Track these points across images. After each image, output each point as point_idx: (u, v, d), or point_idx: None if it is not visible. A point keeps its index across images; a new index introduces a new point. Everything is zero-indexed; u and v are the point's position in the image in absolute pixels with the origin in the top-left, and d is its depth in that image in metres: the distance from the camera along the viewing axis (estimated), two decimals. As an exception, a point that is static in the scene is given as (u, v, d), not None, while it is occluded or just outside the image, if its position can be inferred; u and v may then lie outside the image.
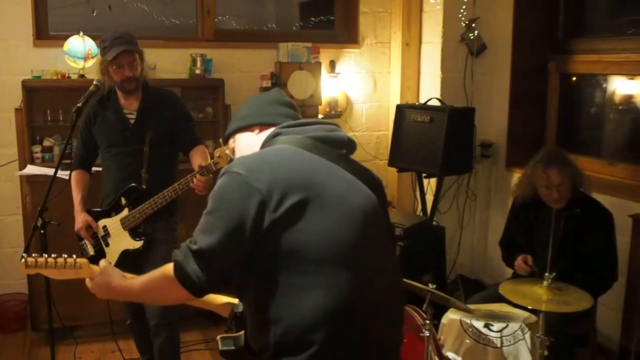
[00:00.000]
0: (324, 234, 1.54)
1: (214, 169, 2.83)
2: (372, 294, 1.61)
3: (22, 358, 3.75)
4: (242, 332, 1.78)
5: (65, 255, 1.83)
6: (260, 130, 1.77)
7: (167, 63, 4.20)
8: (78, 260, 1.83)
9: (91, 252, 3.12)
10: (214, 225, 1.54)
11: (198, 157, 3.07)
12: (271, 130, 1.73)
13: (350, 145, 1.75)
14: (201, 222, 1.58)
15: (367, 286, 1.59)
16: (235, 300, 1.87)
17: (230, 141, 1.85)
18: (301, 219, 1.53)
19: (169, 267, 1.60)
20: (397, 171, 4.47)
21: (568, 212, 3.10)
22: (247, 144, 1.78)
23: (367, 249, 1.61)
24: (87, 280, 1.82)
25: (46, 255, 1.83)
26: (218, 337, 1.83)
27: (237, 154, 1.81)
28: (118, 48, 2.91)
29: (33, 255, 1.84)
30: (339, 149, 1.72)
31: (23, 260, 1.84)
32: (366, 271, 1.60)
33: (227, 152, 1.89)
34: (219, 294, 1.92)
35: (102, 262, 1.83)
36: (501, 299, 2.78)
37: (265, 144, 1.71)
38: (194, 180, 2.88)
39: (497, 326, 2.75)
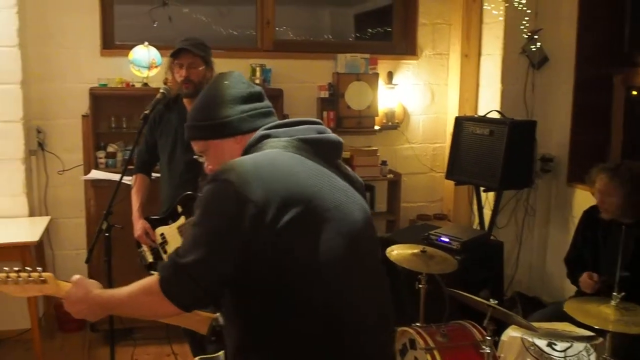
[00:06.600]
0: (326, 251, 1.46)
1: None
2: (369, 309, 1.55)
3: (81, 357, 3.85)
4: (221, 352, 1.73)
5: (29, 269, 1.67)
6: (241, 140, 1.63)
7: (227, 73, 4.26)
8: (43, 274, 1.66)
9: (150, 259, 3.16)
10: (202, 239, 1.46)
11: None
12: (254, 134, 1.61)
13: (341, 148, 1.67)
14: (188, 235, 1.50)
15: (364, 302, 1.54)
16: (214, 315, 1.80)
17: (201, 143, 1.67)
18: (302, 235, 1.44)
19: (152, 282, 1.50)
20: (455, 184, 4.42)
21: (638, 231, 3.01)
22: (227, 151, 1.63)
23: (363, 265, 1.56)
24: (62, 298, 1.65)
25: (7, 269, 1.66)
26: (196, 358, 1.78)
27: (215, 161, 1.66)
28: (179, 46, 2.99)
29: None
30: (331, 152, 1.63)
31: None
32: (363, 287, 1.54)
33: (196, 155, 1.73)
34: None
35: (75, 276, 1.65)
36: (563, 318, 2.70)
37: (251, 147, 1.59)
38: None
39: (560, 346, 2.67)
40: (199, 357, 1.78)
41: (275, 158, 1.51)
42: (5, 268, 1.66)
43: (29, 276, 1.65)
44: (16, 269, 1.66)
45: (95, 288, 1.63)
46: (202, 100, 1.68)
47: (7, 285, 1.64)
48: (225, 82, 1.67)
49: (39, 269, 1.68)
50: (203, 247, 1.44)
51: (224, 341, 1.69)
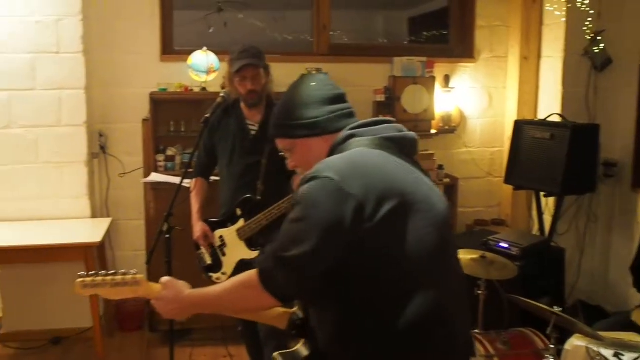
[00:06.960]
0: (419, 242, 1.52)
1: None
2: (454, 299, 1.61)
3: (140, 356, 3.93)
4: (299, 345, 1.76)
5: (123, 271, 1.71)
6: (329, 139, 1.68)
7: (282, 77, 4.23)
8: (137, 277, 1.70)
9: (208, 261, 3.20)
10: (306, 234, 1.50)
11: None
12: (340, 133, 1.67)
13: (417, 145, 1.74)
14: (289, 229, 1.54)
15: (450, 292, 1.60)
16: (292, 310, 1.83)
17: (288, 141, 1.73)
18: (397, 227, 1.51)
19: (251, 276, 1.58)
20: (514, 189, 4.32)
21: None
22: (314, 150, 1.70)
23: (447, 255, 1.63)
24: (153, 300, 1.72)
25: (104, 273, 1.70)
26: (275, 354, 1.79)
27: (301, 158, 1.73)
28: (242, 61, 2.99)
29: (89, 273, 1.70)
30: (411, 149, 1.70)
31: (81, 280, 1.70)
32: (448, 277, 1.61)
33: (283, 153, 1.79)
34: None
35: (164, 278, 1.73)
36: (628, 328, 2.60)
37: (338, 146, 1.65)
38: None
39: (628, 356, 2.57)
40: (278, 352, 1.79)
41: (365, 155, 1.59)
42: (101, 272, 1.71)
43: (124, 279, 1.69)
44: (112, 272, 1.71)
45: (186, 288, 1.71)
46: (289, 100, 1.74)
47: (104, 288, 1.70)
48: (312, 84, 1.74)
49: (133, 271, 1.72)
50: (307, 241, 1.49)
51: (303, 334, 1.75)
